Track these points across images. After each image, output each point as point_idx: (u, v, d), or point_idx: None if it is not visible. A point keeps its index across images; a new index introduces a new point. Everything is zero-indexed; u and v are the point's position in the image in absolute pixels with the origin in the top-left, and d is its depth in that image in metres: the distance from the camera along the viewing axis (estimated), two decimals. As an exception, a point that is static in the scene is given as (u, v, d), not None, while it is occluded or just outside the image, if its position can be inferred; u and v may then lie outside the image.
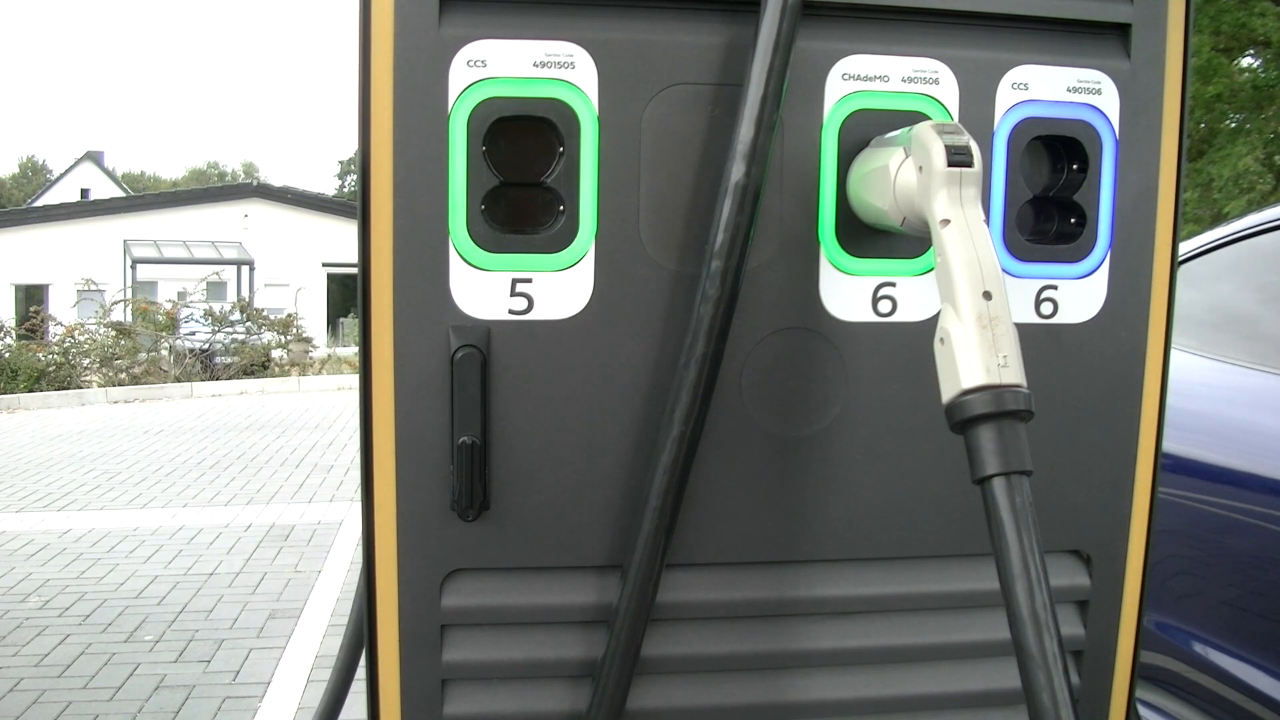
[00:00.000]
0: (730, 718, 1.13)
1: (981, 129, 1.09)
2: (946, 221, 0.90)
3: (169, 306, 17.90)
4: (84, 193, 43.22)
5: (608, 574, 1.09)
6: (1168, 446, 1.19)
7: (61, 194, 43.65)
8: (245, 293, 24.72)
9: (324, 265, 27.91)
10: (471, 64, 1.01)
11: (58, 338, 15.91)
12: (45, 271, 26.47)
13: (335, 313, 28.31)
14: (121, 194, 42.68)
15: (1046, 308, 1.13)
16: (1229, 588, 2.30)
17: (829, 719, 1.14)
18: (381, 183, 1.02)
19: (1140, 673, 1.22)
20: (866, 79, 1.07)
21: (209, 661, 4.18)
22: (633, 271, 1.05)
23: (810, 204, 1.07)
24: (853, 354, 1.10)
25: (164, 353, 16.20)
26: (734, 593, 1.12)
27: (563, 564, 1.09)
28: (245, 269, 26.48)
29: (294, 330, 17.48)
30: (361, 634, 1.08)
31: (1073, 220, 1.12)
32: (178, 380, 15.16)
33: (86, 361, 15.14)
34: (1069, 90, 1.10)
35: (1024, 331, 0.97)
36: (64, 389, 13.95)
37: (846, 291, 1.09)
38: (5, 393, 13.34)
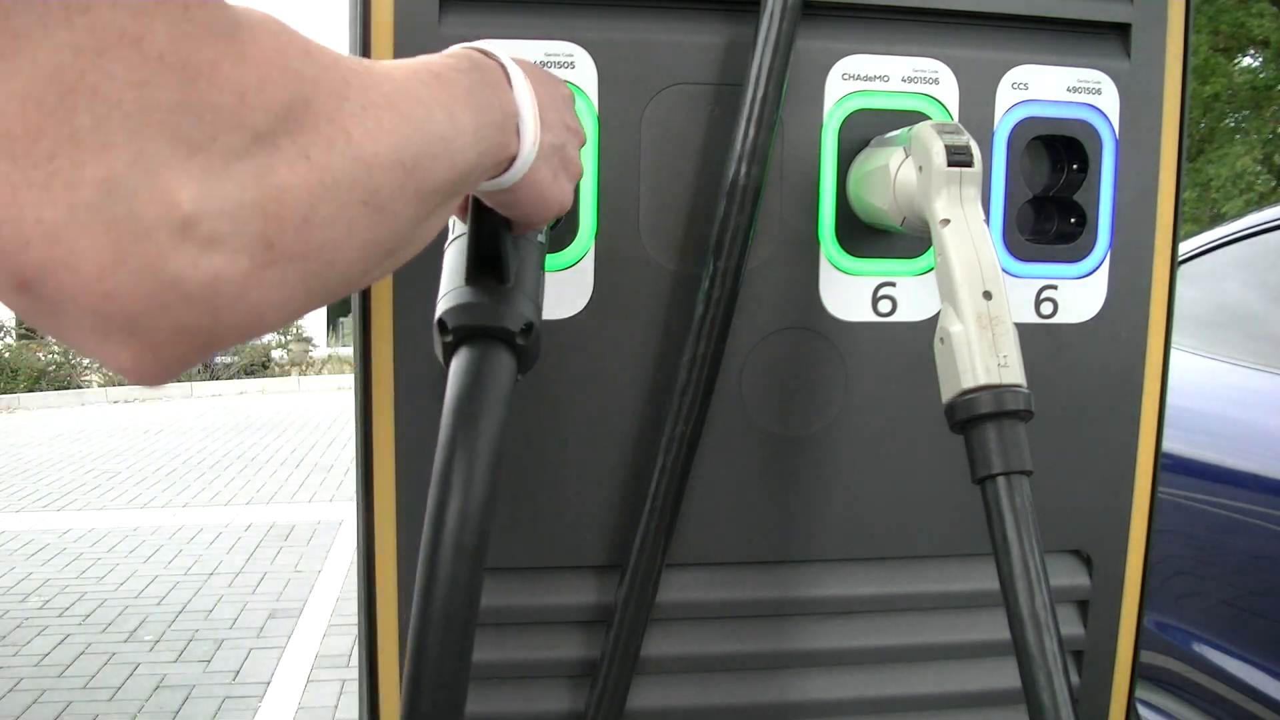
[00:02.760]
0: (730, 718, 1.13)
1: (981, 129, 1.08)
2: (946, 221, 0.90)
3: (169, 306, 17.86)
4: (84, 193, 43.11)
5: (608, 574, 1.09)
6: (1168, 446, 1.19)
7: (61, 194, 43.53)
8: (245, 293, 24.64)
9: (324, 265, 27.80)
10: (471, 64, 1.01)
11: (58, 337, 15.89)
12: (45, 271, 26.48)
13: (335, 313, 28.27)
14: (121, 194, 42.55)
15: (1046, 308, 1.12)
16: (1229, 588, 2.30)
17: (829, 719, 1.14)
18: (381, 183, 1.01)
19: (1140, 673, 1.22)
20: (866, 79, 1.07)
21: (209, 661, 4.18)
22: (633, 271, 1.05)
23: (810, 204, 1.07)
24: (853, 354, 1.10)
25: (164, 353, 16.16)
26: (734, 593, 1.12)
27: (563, 564, 1.09)
28: (245, 269, 26.39)
29: (294, 330, 17.46)
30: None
31: (1073, 220, 1.12)
32: (177, 380, 15.15)
33: (86, 361, 15.14)
34: (1069, 90, 1.10)
35: (1024, 331, 0.97)
36: (64, 389, 13.95)
37: (846, 291, 1.09)
38: (5, 393, 13.34)
